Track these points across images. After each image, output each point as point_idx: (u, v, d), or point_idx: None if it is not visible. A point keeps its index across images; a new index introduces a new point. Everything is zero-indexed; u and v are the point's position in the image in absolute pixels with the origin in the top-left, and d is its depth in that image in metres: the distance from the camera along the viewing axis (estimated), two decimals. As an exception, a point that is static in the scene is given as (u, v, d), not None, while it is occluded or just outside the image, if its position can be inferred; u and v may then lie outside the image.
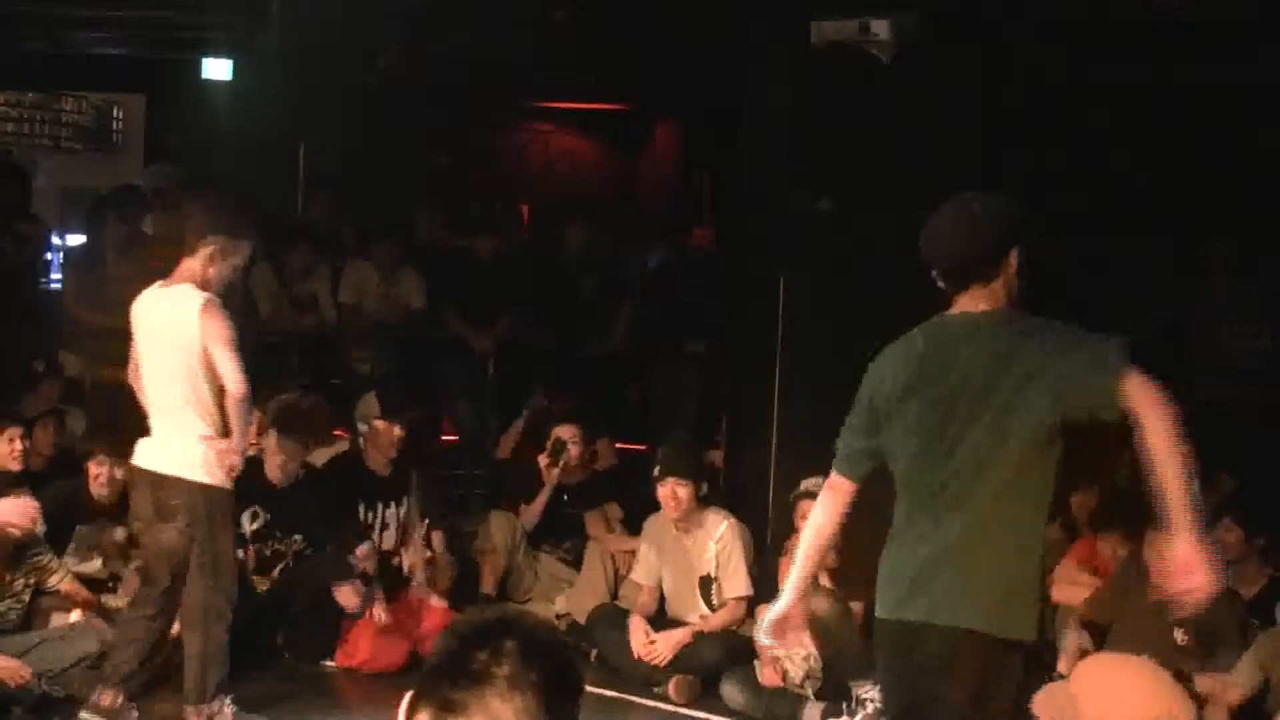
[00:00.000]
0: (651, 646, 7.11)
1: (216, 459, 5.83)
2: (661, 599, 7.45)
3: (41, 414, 7.86)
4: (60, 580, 6.60)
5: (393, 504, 7.77)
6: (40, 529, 6.52)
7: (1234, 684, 5.86)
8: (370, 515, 7.72)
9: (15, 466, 6.95)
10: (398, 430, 7.66)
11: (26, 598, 6.56)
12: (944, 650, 3.78)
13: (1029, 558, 3.80)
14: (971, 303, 3.95)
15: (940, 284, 4.01)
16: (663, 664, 7.08)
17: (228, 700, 6.07)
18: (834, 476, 4.10)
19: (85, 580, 6.88)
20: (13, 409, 7.63)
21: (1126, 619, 6.20)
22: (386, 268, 9.79)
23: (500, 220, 10.61)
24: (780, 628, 4.14)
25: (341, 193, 10.40)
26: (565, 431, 8.16)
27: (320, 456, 8.28)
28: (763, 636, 4.25)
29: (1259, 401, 8.63)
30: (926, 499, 3.86)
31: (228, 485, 5.94)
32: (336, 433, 8.61)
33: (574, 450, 8.12)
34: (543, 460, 8.12)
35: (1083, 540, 7.17)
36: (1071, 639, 6.40)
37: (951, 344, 3.90)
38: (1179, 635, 6.01)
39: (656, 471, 7.29)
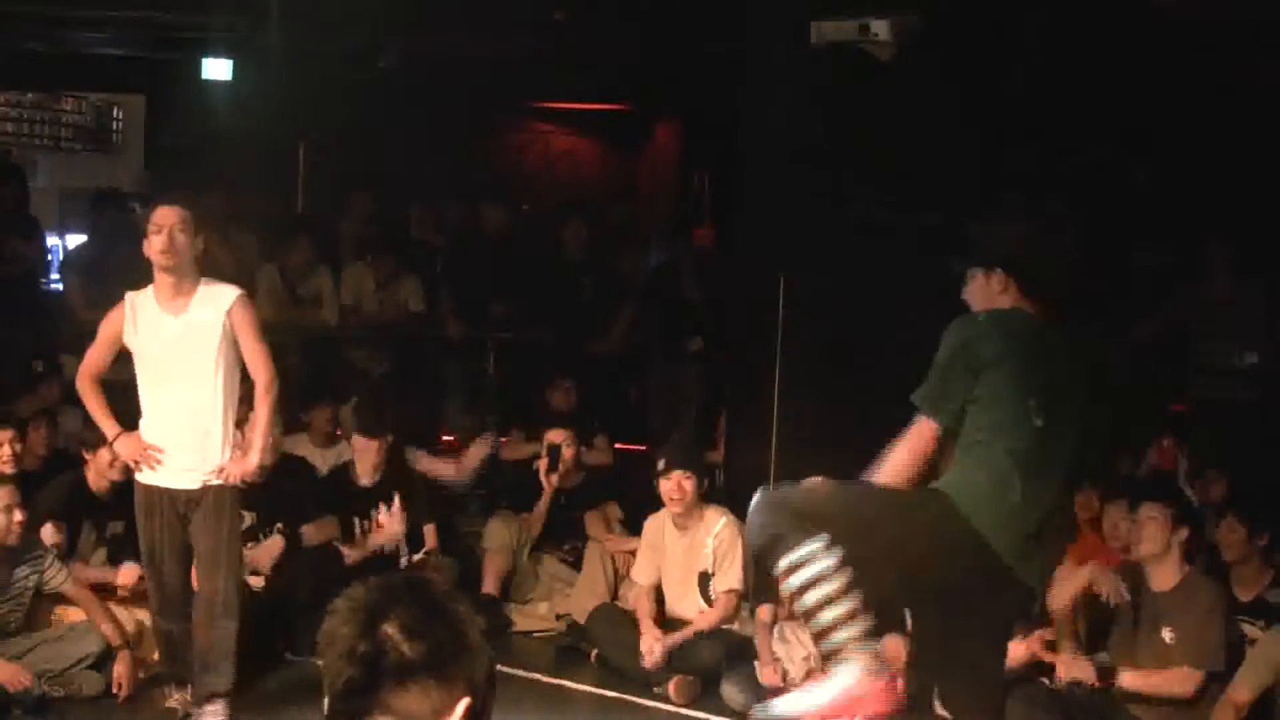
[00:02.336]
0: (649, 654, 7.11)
1: None
2: (661, 597, 7.45)
3: (34, 414, 7.86)
4: (61, 582, 6.59)
5: (381, 505, 7.82)
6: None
7: (1240, 685, 5.86)
8: (365, 525, 7.79)
9: (5, 469, 6.93)
10: (377, 446, 7.74)
11: (27, 600, 6.55)
12: None
13: None
14: (1034, 307, 4.40)
15: (1020, 284, 4.39)
16: (654, 667, 7.07)
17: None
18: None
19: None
20: (6, 410, 7.63)
21: (1119, 618, 6.21)
22: (384, 274, 9.79)
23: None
24: None
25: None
26: (558, 436, 8.16)
27: (325, 459, 8.31)
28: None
29: (1259, 401, 8.62)
30: (1026, 467, 4.31)
31: (141, 479, 6.02)
32: (340, 435, 8.62)
33: (568, 453, 8.13)
34: (540, 466, 8.12)
35: (1083, 540, 7.16)
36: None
37: (1042, 339, 4.39)
38: (1166, 634, 6.01)
39: (661, 465, 7.30)
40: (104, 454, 6.88)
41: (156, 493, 5.99)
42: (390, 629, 2.04)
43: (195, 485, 5.96)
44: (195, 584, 6.09)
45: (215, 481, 5.97)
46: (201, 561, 6.03)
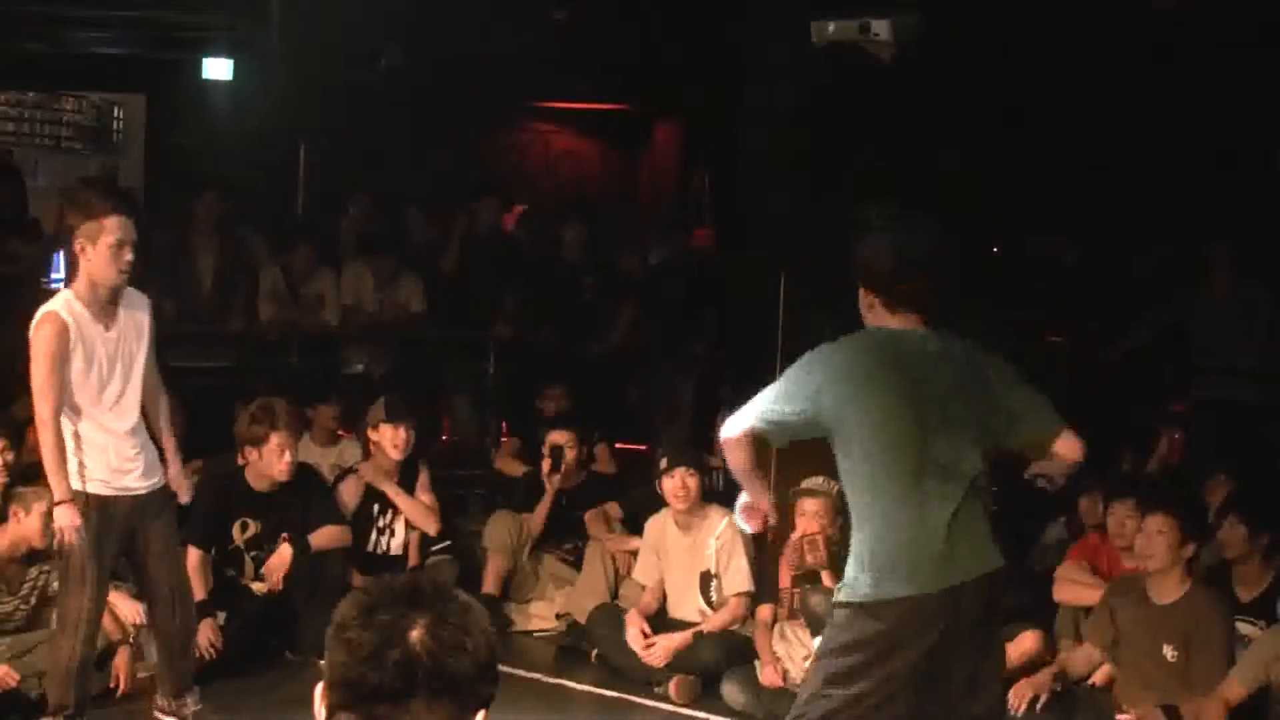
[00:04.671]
0: (649, 648, 7.11)
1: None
2: (663, 597, 7.45)
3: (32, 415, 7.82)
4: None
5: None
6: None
7: (1233, 681, 5.84)
8: (381, 519, 7.79)
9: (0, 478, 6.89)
10: (403, 432, 7.71)
11: (34, 600, 6.55)
12: (988, 593, 4.43)
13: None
14: (909, 323, 4.53)
15: (895, 299, 4.51)
16: (659, 665, 7.07)
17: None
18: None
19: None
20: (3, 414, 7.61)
21: (1122, 634, 6.19)
22: (384, 276, 9.79)
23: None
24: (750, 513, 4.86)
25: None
26: (560, 437, 8.15)
27: (325, 458, 8.31)
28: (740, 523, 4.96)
29: (1259, 402, 8.63)
30: (916, 483, 4.38)
31: (104, 491, 5.72)
32: (341, 434, 8.62)
33: (570, 454, 8.12)
34: (543, 467, 8.11)
35: (1084, 540, 7.16)
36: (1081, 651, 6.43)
37: (923, 355, 4.48)
38: (1168, 651, 5.99)
39: (663, 464, 7.29)
40: None
41: (120, 503, 5.74)
42: (423, 638, 2.00)
43: (153, 488, 5.84)
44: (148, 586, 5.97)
45: (162, 481, 5.90)
46: (163, 558, 5.90)
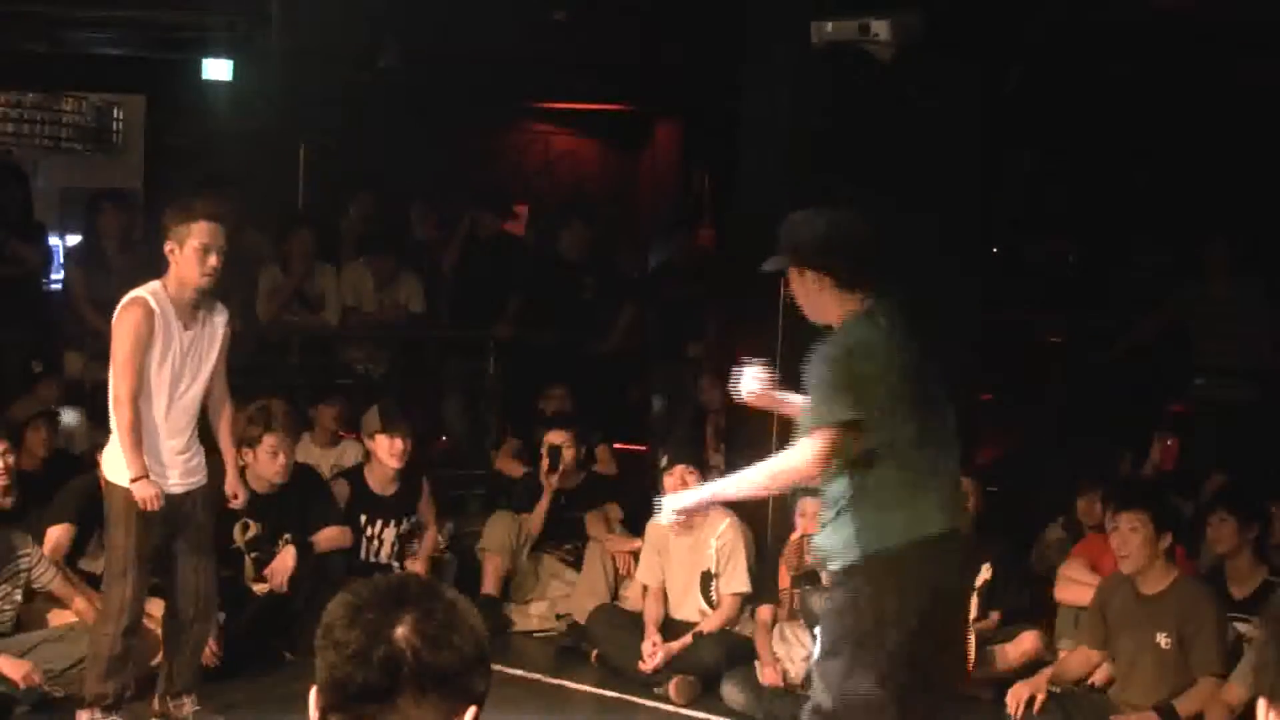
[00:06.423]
0: (652, 655, 7.13)
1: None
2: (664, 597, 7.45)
3: (32, 416, 7.83)
4: (50, 580, 6.56)
5: (393, 522, 7.82)
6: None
7: (1234, 685, 5.85)
8: (369, 528, 7.77)
9: (1, 481, 6.88)
10: (400, 442, 7.71)
11: (18, 598, 6.52)
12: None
13: None
14: (862, 299, 4.64)
15: (868, 283, 4.62)
16: (653, 671, 7.08)
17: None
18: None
19: (87, 577, 6.87)
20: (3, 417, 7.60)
21: (1114, 629, 6.19)
22: (384, 276, 9.79)
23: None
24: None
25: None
26: (558, 436, 8.15)
27: (325, 458, 8.31)
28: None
29: (1259, 402, 8.63)
30: (927, 449, 4.57)
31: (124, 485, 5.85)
32: (343, 435, 8.62)
33: (568, 454, 8.12)
34: (541, 467, 8.11)
35: (1087, 540, 7.17)
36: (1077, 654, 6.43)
37: (897, 331, 4.62)
38: (1162, 640, 6.00)
39: (664, 461, 7.31)
40: None
41: (170, 500, 5.90)
42: (408, 634, 2.00)
43: (190, 489, 6.00)
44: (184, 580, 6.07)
45: (202, 483, 6.06)
46: (200, 556, 6.06)
